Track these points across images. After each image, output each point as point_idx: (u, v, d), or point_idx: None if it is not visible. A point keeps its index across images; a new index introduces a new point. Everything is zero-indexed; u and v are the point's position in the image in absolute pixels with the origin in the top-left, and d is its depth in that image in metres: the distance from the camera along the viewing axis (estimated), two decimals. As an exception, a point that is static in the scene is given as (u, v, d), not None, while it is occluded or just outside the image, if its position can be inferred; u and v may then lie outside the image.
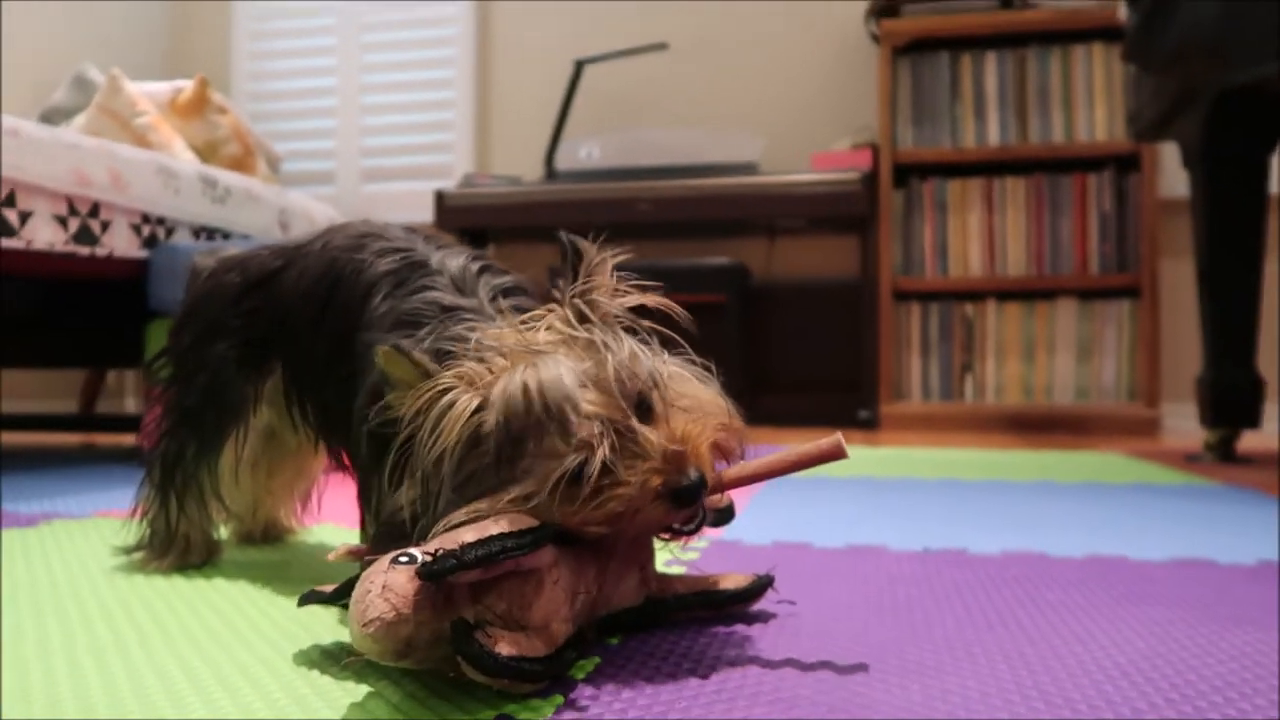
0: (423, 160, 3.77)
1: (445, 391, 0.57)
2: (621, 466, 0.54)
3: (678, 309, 0.63)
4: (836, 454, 0.59)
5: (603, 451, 0.53)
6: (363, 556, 0.61)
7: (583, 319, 0.59)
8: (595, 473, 0.54)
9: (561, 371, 0.55)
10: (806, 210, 3.08)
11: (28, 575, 0.82)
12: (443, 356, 0.60)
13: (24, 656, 0.59)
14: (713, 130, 3.44)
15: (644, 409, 0.56)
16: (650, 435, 0.55)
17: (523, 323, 0.61)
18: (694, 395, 0.60)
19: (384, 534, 0.61)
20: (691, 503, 0.55)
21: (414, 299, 0.68)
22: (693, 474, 0.55)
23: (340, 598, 0.58)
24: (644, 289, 0.63)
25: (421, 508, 0.58)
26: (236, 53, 3.93)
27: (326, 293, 0.75)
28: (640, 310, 0.62)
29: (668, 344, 0.62)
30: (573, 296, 0.60)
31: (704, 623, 0.67)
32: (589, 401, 0.55)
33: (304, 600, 0.61)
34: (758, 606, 0.70)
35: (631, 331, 0.61)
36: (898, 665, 0.58)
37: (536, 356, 0.56)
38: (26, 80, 3.20)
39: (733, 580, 0.68)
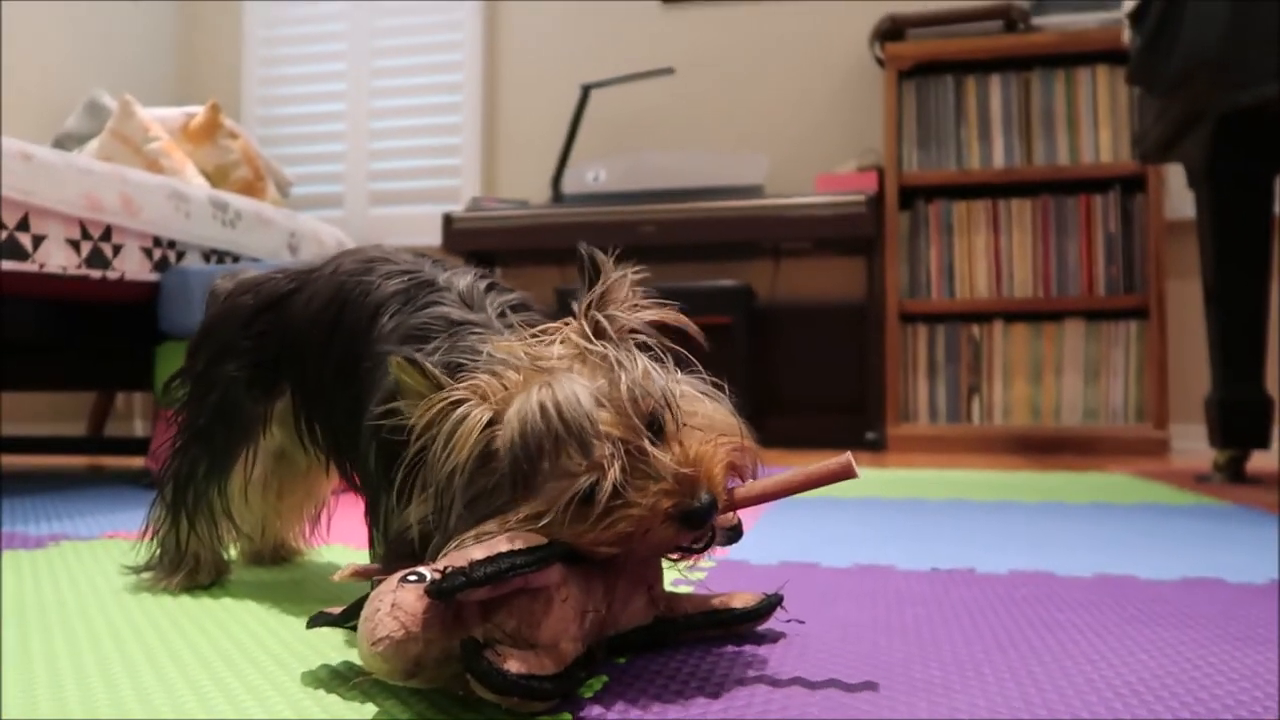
0: (430, 184, 3.80)
1: (457, 404, 0.57)
2: (632, 488, 0.54)
3: (694, 327, 0.63)
4: (846, 473, 0.59)
5: (614, 473, 0.53)
6: (369, 576, 0.61)
7: (599, 334, 0.59)
8: (605, 494, 0.54)
9: (578, 390, 0.54)
10: (812, 232, 3.09)
11: (36, 596, 0.83)
12: (454, 369, 0.60)
13: (32, 677, 0.60)
14: (718, 153, 3.46)
15: (656, 429, 0.56)
16: (662, 457, 0.55)
17: (534, 336, 0.61)
18: (706, 415, 0.59)
19: (393, 552, 0.61)
20: (701, 525, 0.55)
21: (422, 314, 0.68)
22: (704, 498, 0.55)
23: (349, 619, 0.58)
24: (661, 306, 0.63)
25: (434, 523, 0.57)
26: (247, 78, 3.97)
27: (335, 316, 0.75)
28: (657, 328, 0.62)
29: (681, 363, 0.62)
30: (588, 310, 0.60)
31: (713, 642, 0.66)
32: (603, 421, 0.54)
33: (313, 623, 0.61)
34: (767, 626, 0.69)
35: (645, 348, 0.60)
36: (905, 684, 0.58)
37: (551, 375, 0.56)
38: (39, 106, 3.24)
39: (741, 599, 0.67)
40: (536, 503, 0.55)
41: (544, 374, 0.56)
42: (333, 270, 0.79)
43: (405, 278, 0.73)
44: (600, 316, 0.60)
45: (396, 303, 0.71)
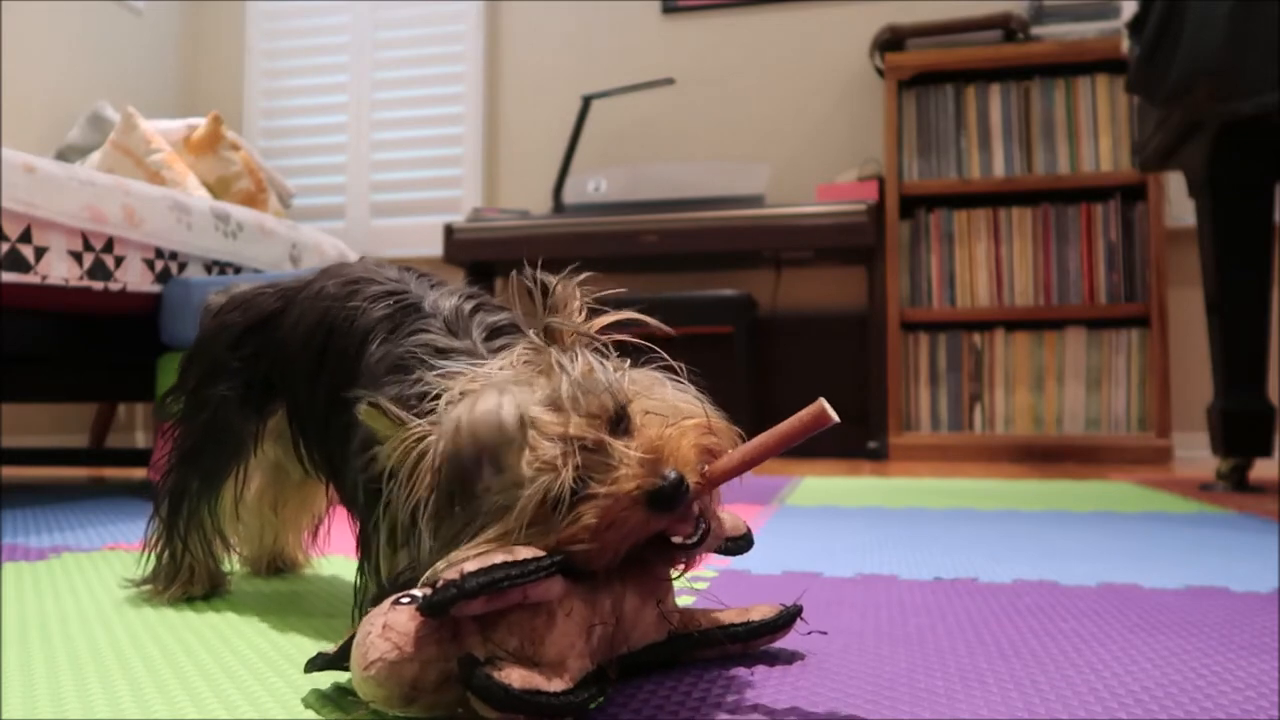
0: (432, 194, 3.81)
1: (420, 440, 0.56)
2: (596, 482, 0.52)
3: (652, 321, 0.61)
4: (822, 421, 0.55)
5: (566, 471, 0.52)
6: None
7: (551, 344, 0.58)
8: (565, 494, 0.52)
9: (501, 403, 0.54)
10: (813, 242, 3.10)
11: (37, 608, 0.83)
12: (429, 401, 0.59)
13: (33, 689, 0.59)
14: (719, 163, 3.47)
15: (617, 422, 0.55)
16: (620, 445, 0.53)
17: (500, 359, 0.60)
18: (669, 400, 0.58)
19: (384, 595, 0.59)
20: (673, 506, 0.53)
21: (407, 342, 0.67)
22: (670, 474, 0.52)
23: (346, 657, 0.54)
24: (615, 310, 0.62)
25: (411, 560, 0.56)
26: (249, 89, 3.98)
27: (322, 341, 0.74)
28: (644, 338, 0.61)
29: (646, 359, 0.61)
30: (535, 325, 0.60)
31: (729, 658, 0.64)
32: (550, 423, 0.53)
33: (310, 666, 0.58)
34: (782, 642, 0.67)
35: (598, 350, 0.59)
36: (909, 693, 0.58)
37: (475, 392, 0.55)
38: (42, 118, 3.25)
39: (759, 612, 0.65)
40: (501, 522, 0.53)
41: (471, 394, 0.56)
42: (317, 291, 0.78)
43: (391, 301, 0.71)
44: (539, 334, 0.59)
45: (383, 330, 0.70)
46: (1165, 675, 0.62)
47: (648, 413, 0.56)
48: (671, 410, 0.57)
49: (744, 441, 0.58)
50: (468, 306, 0.70)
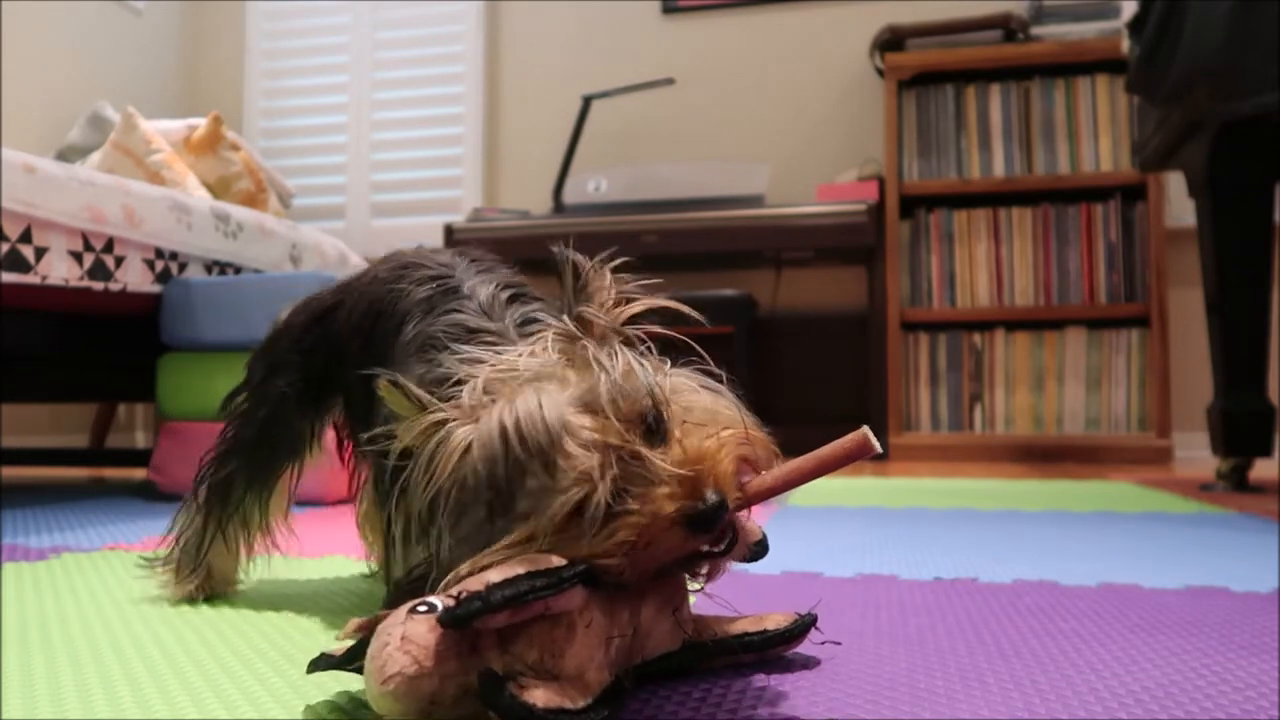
0: (432, 195, 3.81)
1: (440, 425, 0.54)
2: (632, 496, 0.50)
3: (686, 309, 0.60)
4: (864, 451, 0.53)
5: (604, 486, 0.49)
6: (375, 626, 0.54)
7: (578, 335, 0.56)
8: (600, 509, 0.50)
9: (542, 404, 0.51)
10: (813, 242, 3.10)
11: (37, 608, 0.83)
12: (451, 381, 0.57)
13: (33, 689, 0.59)
14: (719, 163, 3.47)
15: (652, 428, 0.52)
16: (659, 459, 0.50)
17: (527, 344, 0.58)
18: (706, 407, 0.56)
19: (399, 592, 0.58)
20: (711, 528, 0.51)
21: (440, 321, 0.67)
22: (711, 497, 0.50)
23: (352, 660, 0.53)
24: (646, 292, 0.60)
25: (430, 555, 0.55)
26: (249, 89, 3.98)
27: (370, 326, 0.75)
28: (656, 316, 0.60)
29: (679, 353, 0.59)
30: (565, 313, 0.57)
31: (742, 667, 0.63)
32: (586, 429, 0.51)
33: (314, 666, 0.55)
34: (797, 649, 0.66)
35: (631, 344, 0.57)
36: (909, 694, 0.58)
37: (516, 390, 0.52)
38: (42, 118, 3.25)
39: (774, 620, 0.64)
40: (526, 526, 0.51)
41: (510, 391, 0.53)
42: (370, 280, 0.79)
43: (434, 284, 0.71)
44: (571, 322, 0.56)
45: (420, 311, 0.69)
46: (1165, 675, 0.62)
47: (684, 421, 0.54)
48: (709, 418, 0.55)
49: (778, 452, 0.57)
50: (504, 295, 0.69)
